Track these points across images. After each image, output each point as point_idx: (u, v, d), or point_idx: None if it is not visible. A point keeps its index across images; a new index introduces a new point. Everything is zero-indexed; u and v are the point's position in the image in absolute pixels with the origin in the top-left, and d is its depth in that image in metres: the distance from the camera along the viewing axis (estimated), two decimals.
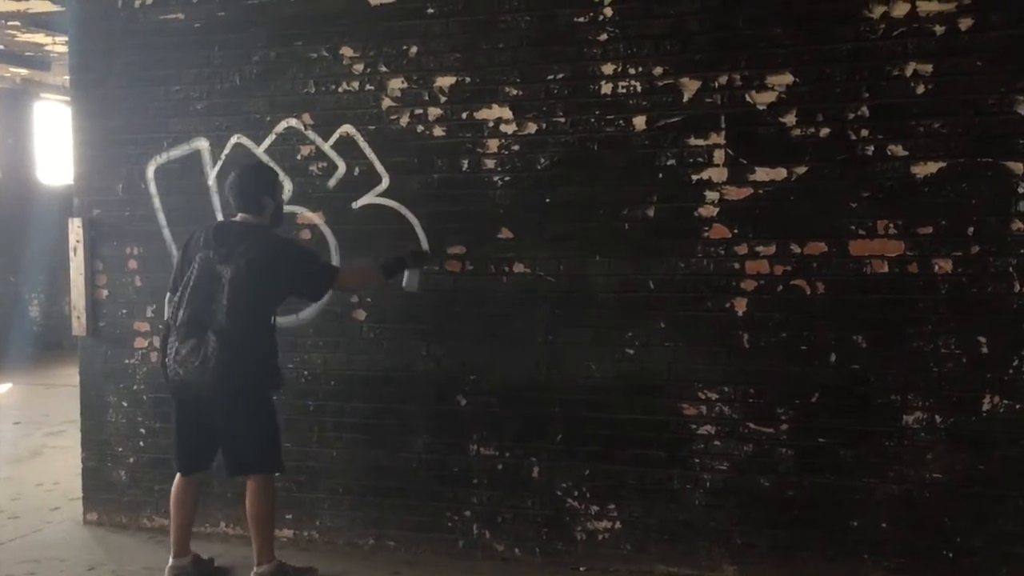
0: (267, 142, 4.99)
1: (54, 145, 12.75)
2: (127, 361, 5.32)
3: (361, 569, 4.63)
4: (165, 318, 4.37)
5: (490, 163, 4.62)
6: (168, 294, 4.36)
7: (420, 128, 4.72)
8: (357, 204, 4.84)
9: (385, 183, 4.80)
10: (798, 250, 4.22)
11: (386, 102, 4.77)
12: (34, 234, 11.65)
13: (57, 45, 9.68)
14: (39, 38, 9.60)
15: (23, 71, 11.22)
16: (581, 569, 4.59)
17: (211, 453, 4.45)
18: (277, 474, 4.47)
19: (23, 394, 9.76)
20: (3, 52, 10.35)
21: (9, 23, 8.91)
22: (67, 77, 5.50)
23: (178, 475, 4.50)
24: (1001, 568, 4.05)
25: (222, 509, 5.13)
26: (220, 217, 5.05)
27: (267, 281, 4.19)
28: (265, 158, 4.97)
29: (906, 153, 4.07)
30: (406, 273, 4.60)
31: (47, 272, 11.90)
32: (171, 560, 4.50)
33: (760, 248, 4.27)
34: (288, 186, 4.93)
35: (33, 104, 12.54)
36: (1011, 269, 3.98)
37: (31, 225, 11.69)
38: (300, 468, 4.98)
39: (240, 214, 4.36)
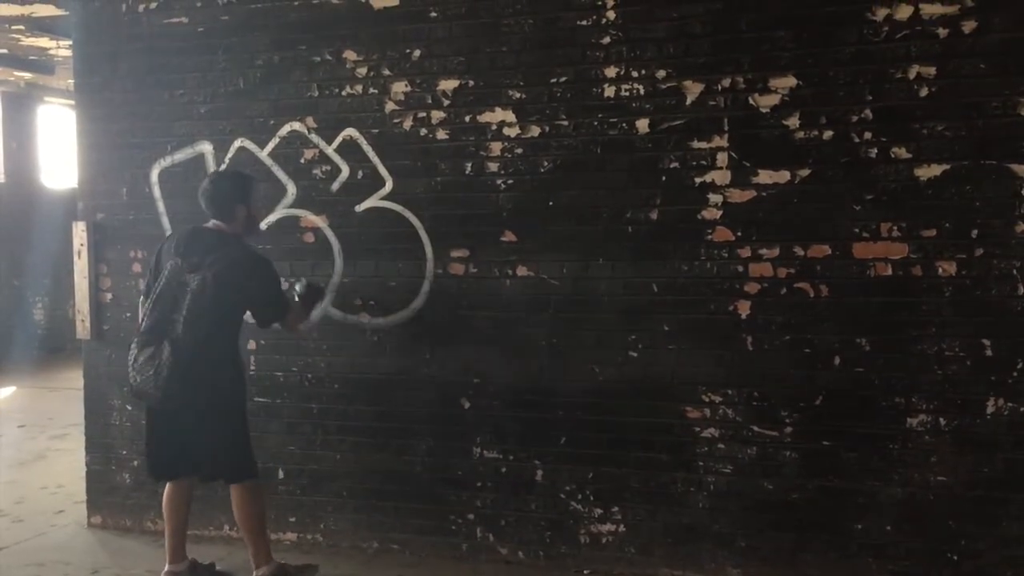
0: (271, 145, 4.99)
1: (58, 149, 12.79)
2: None
3: (365, 572, 4.63)
4: (138, 322, 4.35)
5: (493, 166, 4.63)
6: (141, 299, 4.36)
7: (423, 131, 4.73)
8: (361, 207, 4.85)
9: (389, 186, 4.80)
10: (801, 253, 4.22)
11: (389, 105, 4.78)
12: (38, 238, 11.68)
13: (61, 49, 9.70)
14: (43, 42, 9.61)
15: (27, 75, 11.23)
16: (585, 572, 4.58)
17: (187, 458, 4.36)
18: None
19: (27, 397, 9.77)
20: (7, 56, 10.36)
21: (13, 27, 8.92)
22: (71, 81, 5.51)
23: (168, 481, 4.47)
24: (1006, 571, 4.05)
25: (225, 512, 5.11)
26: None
27: (228, 296, 4.14)
28: (269, 161, 4.98)
29: (909, 156, 4.07)
30: (317, 304, 4.68)
31: (51, 275, 11.94)
32: (167, 566, 4.48)
33: (763, 251, 4.27)
34: (291, 189, 4.95)
35: (37, 108, 12.57)
36: (1015, 271, 3.98)
37: (35, 229, 11.72)
38: (304, 471, 4.99)
39: (213, 221, 4.31)
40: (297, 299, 4.51)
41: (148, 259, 5.20)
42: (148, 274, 4.39)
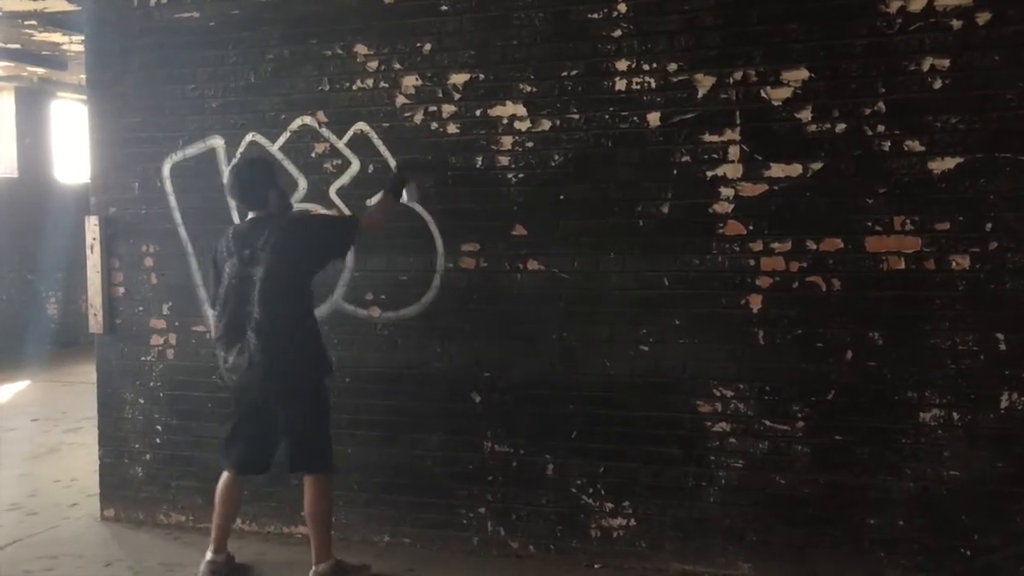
0: (282, 140, 5.00)
1: (71, 144, 12.83)
2: (143, 358, 5.35)
3: (376, 566, 4.63)
4: (213, 334, 4.42)
5: (504, 160, 4.62)
6: (209, 308, 4.41)
7: (434, 125, 4.72)
8: (371, 201, 4.85)
9: None
10: (814, 246, 4.20)
11: (400, 99, 4.77)
12: (51, 232, 11.73)
13: (74, 44, 9.72)
14: (56, 37, 9.65)
15: (40, 70, 11.27)
16: (595, 566, 4.58)
17: (268, 457, 4.47)
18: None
19: (41, 391, 9.82)
20: (20, 51, 10.40)
21: (26, 23, 8.96)
22: (84, 76, 5.53)
23: (226, 472, 4.50)
24: (1019, 567, 4.02)
25: None
26: (235, 216, 5.07)
27: (297, 258, 4.23)
28: (280, 156, 4.98)
29: (923, 149, 4.04)
30: (404, 190, 4.68)
31: (64, 270, 11.99)
32: (209, 554, 4.52)
33: (775, 245, 4.25)
34: (302, 184, 4.95)
35: (50, 103, 12.60)
36: None
37: (48, 223, 11.77)
38: None
39: (250, 213, 4.40)
40: (403, 177, 4.62)
41: (163, 253, 5.25)
42: (210, 283, 4.49)
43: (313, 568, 4.37)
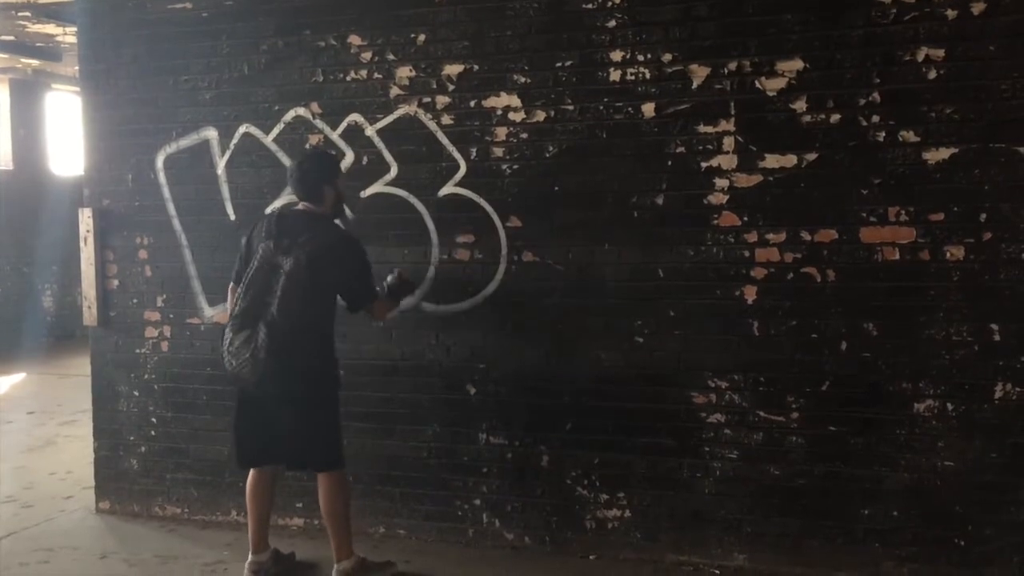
0: (275, 131, 4.99)
1: (66, 136, 12.79)
2: (138, 351, 5.34)
3: (371, 557, 4.62)
4: (228, 307, 4.31)
5: (498, 151, 4.61)
6: (231, 284, 4.30)
7: (428, 116, 4.71)
8: (366, 193, 4.84)
9: (393, 172, 4.79)
10: (808, 238, 4.20)
11: (394, 91, 4.76)
12: (46, 224, 11.71)
13: (68, 35, 9.69)
14: (50, 28, 9.61)
15: (34, 62, 11.24)
16: (591, 557, 4.59)
17: (275, 445, 4.30)
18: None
19: (37, 384, 9.81)
20: (14, 43, 10.37)
21: (20, 14, 8.92)
22: (78, 67, 5.50)
23: (253, 469, 4.40)
24: (1013, 556, 4.04)
25: (233, 498, 5.15)
26: (229, 208, 5.07)
27: (321, 278, 4.10)
28: (273, 147, 4.97)
29: (917, 139, 4.04)
30: (406, 296, 4.62)
31: (60, 262, 11.97)
32: (250, 556, 4.42)
33: (770, 236, 4.25)
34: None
35: (45, 95, 12.57)
36: (1023, 256, 3.95)
37: (43, 216, 11.75)
38: None
39: (302, 203, 4.29)
40: (387, 290, 4.44)
41: (157, 245, 5.24)
42: (239, 259, 4.32)
43: (335, 566, 4.30)
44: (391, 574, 4.43)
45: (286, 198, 4.97)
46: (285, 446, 4.26)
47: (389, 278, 4.47)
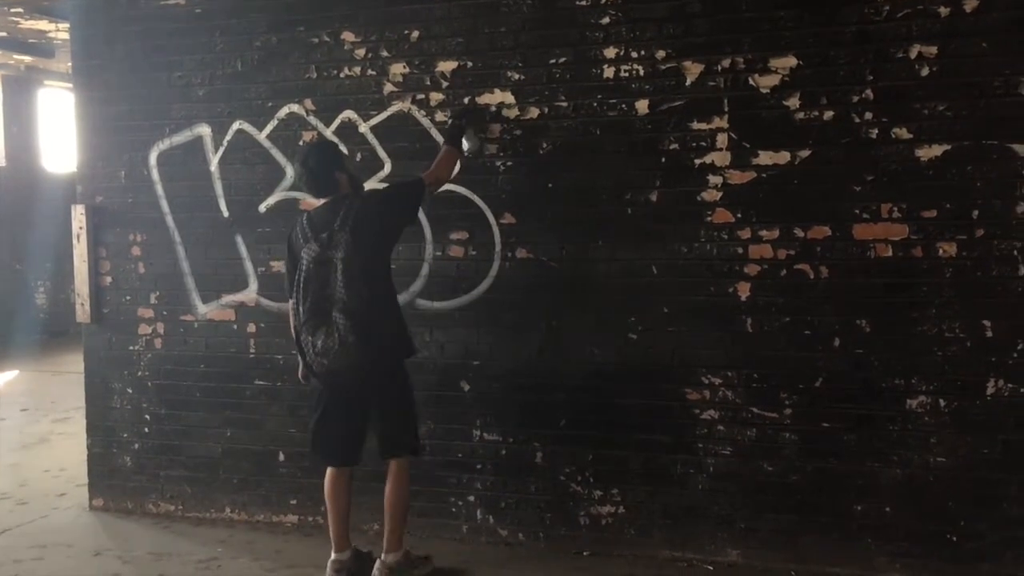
0: (269, 128, 4.98)
1: (59, 132, 12.76)
2: (131, 348, 5.34)
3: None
4: (292, 324, 4.30)
5: (492, 148, 4.61)
6: (291, 301, 4.26)
7: (422, 113, 4.70)
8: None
9: (387, 168, 4.79)
10: (801, 234, 4.21)
11: (388, 87, 4.76)
12: (39, 221, 11.67)
13: (60, 32, 9.68)
14: (42, 25, 9.59)
15: (27, 58, 11.22)
16: (584, 554, 4.59)
17: (361, 443, 4.34)
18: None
19: (30, 381, 9.79)
20: (7, 39, 10.34)
21: (12, 10, 8.91)
22: (71, 64, 5.49)
23: (329, 468, 4.37)
24: (1005, 552, 4.05)
25: (228, 495, 5.16)
26: (222, 204, 5.06)
27: (376, 232, 4.13)
28: (267, 144, 4.97)
29: (910, 136, 4.05)
30: (464, 139, 4.56)
31: (53, 259, 11.94)
32: (332, 555, 4.36)
33: (763, 232, 4.25)
34: (290, 172, 4.93)
35: (37, 91, 12.54)
36: (1016, 252, 3.96)
37: (36, 212, 11.72)
38: (303, 454, 4.98)
39: (322, 199, 4.27)
40: (448, 135, 4.52)
41: (150, 242, 5.23)
42: (287, 270, 4.31)
43: (381, 558, 4.29)
44: (430, 570, 4.43)
45: (280, 195, 4.98)
46: (377, 432, 4.30)
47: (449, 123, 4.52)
